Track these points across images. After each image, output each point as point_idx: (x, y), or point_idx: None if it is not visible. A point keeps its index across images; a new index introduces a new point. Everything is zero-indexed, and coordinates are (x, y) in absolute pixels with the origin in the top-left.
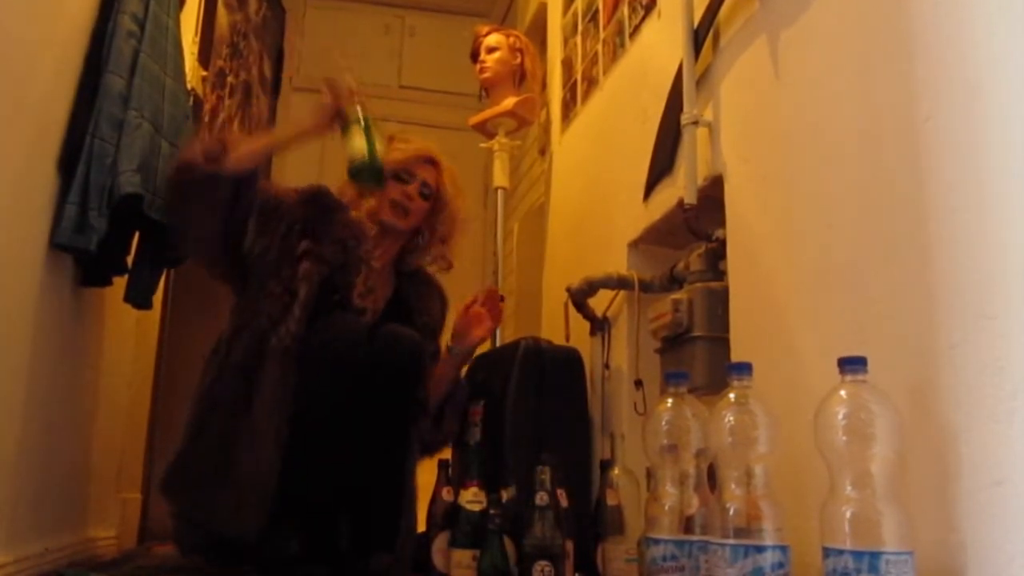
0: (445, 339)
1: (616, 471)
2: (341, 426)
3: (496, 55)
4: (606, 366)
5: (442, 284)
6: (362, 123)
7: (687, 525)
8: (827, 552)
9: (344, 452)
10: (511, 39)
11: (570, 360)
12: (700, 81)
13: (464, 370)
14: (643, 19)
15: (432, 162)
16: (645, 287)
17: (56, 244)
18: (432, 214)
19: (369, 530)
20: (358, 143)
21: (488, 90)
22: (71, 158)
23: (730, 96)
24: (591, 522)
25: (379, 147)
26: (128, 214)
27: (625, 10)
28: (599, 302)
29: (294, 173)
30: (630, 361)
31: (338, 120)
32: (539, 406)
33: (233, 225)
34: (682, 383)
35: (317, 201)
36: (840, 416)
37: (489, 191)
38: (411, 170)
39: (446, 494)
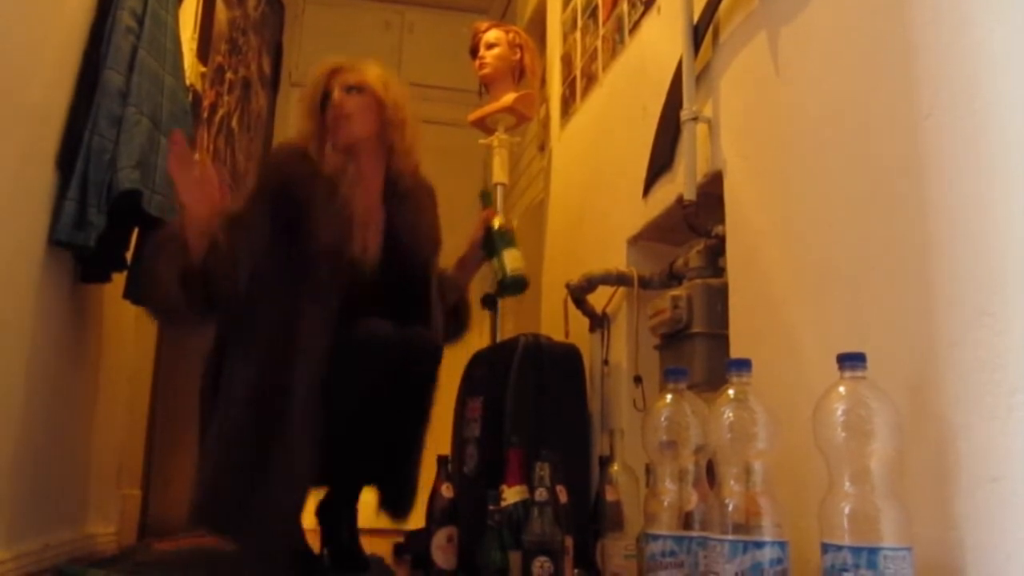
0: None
1: (615, 467)
2: (365, 434)
3: (495, 51)
4: (605, 362)
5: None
6: (507, 241)
7: (686, 521)
8: (826, 548)
9: (366, 449)
10: (510, 35)
11: (569, 356)
12: (700, 77)
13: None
14: (643, 15)
15: (335, 71)
16: (644, 283)
17: (55, 241)
18: (378, 120)
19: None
20: (507, 260)
21: (487, 86)
22: (70, 155)
23: (730, 92)
24: (590, 518)
25: (520, 262)
26: (127, 210)
27: (624, 6)
28: (598, 298)
29: None
30: (629, 357)
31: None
32: (538, 402)
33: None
34: (681, 379)
35: (289, 196)
36: (839, 412)
37: (488, 187)
38: (327, 90)
39: (446, 490)
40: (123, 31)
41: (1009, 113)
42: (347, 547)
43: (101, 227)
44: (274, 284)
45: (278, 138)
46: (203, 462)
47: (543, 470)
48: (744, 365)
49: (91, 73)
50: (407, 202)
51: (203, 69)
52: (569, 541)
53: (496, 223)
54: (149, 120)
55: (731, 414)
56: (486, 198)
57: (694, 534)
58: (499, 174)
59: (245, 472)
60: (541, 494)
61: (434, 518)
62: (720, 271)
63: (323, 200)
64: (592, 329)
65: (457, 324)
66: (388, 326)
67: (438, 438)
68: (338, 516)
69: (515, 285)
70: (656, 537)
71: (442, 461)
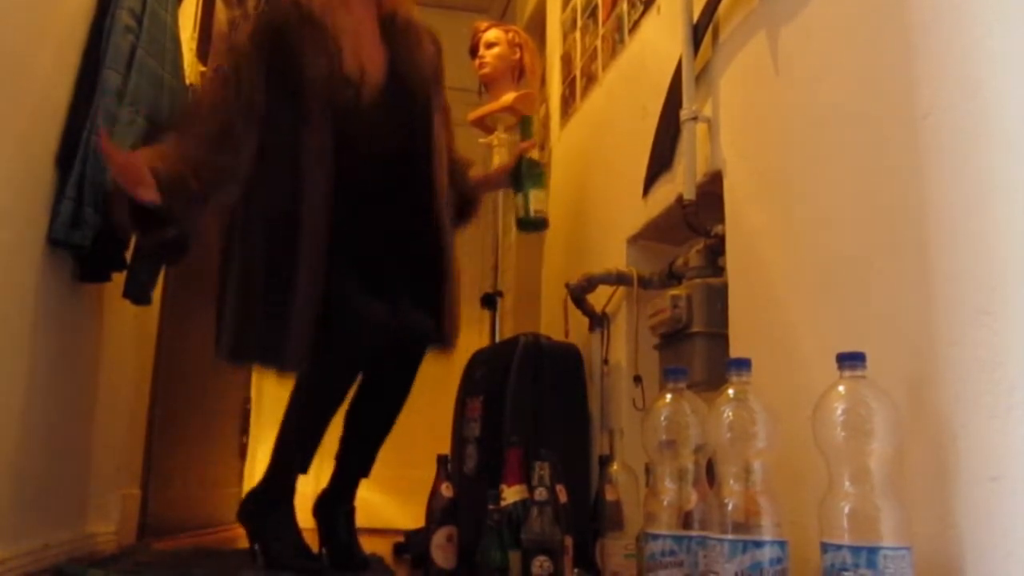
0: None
1: (615, 467)
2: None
3: (495, 50)
4: (605, 362)
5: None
6: (535, 178)
7: (686, 520)
8: (825, 547)
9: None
10: (510, 34)
11: (569, 356)
12: (699, 77)
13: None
14: (642, 14)
15: None
16: (644, 283)
17: (52, 239)
18: None
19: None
20: (532, 199)
21: (487, 85)
22: (69, 154)
23: (729, 92)
24: (590, 518)
25: (544, 204)
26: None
27: (624, 5)
28: (598, 298)
29: None
30: (629, 357)
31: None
32: (538, 402)
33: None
34: (681, 379)
35: (281, 43)
36: (839, 412)
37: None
38: None
39: (445, 489)
40: (122, 30)
41: (1009, 112)
42: (345, 545)
43: (97, 226)
44: (275, 129)
45: None
46: (226, 303)
47: (543, 469)
48: (744, 364)
49: (91, 72)
50: (404, 37)
51: (203, 69)
52: (569, 540)
53: (530, 156)
54: (146, 120)
55: (731, 413)
56: (526, 125)
57: (694, 533)
58: None
59: (265, 300)
60: (541, 493)
61: (434, 517)
62: (720, 271)
63: (311, 38)
64: (592, 329)
65: (460, 217)
66: (383, 311)
67: (438, 438)
68: (335, 513)
69: (534, 224)
70: (656, 536)
71: (442, 460)
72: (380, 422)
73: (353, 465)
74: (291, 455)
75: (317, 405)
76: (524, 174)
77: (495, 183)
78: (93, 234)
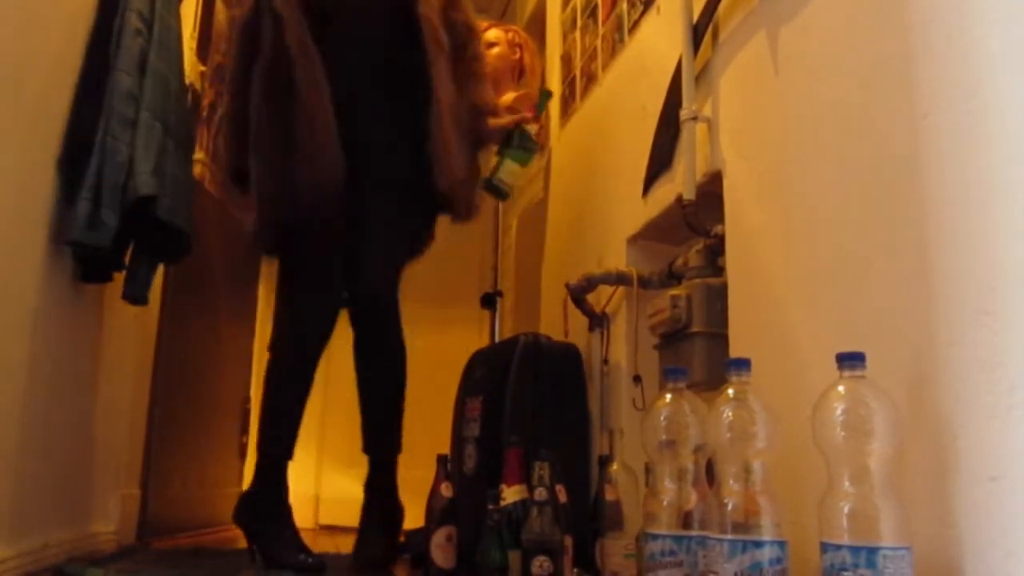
0: None
1: (615, 467)
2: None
3: (495, 50)
4: (605, 362)
5: None
6: (520, 152)
7: (685, 520)
8: (825, 547)
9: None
10: (510, 34)
11: (569, 356)
12: (699, 77)
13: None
14: (642, 14)
15: None
16: (644, 283)
17: (68, 241)
18: None
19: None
20: (505, 167)
21: None
22: (77, 155)
23: (729, 92)
24: (590, 517)
25: (515, 178)
26: (133, 212)
27: (624, 5)
28: (598, 298)
29: None
30: (629, 357)
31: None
32: (538, 402)
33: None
34: (681, 379)
35: None
36: (838, 412)
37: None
38: None
39: (445, 489)
40: (132, 33)
41: (1009, 112)
42: (365, 534)
43: (114, 227)
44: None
45: None
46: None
47: (542, 469)
48: (743, 364)
49: (95, 73)
50: None
51: (203, 68)
52: (568, 540)
53: (526, 128)
54: (161, 124)
55: (730, 413)
56: (543, 98)
57: (693, 533)
58: None
59: (273, 151)
60: (540, 493)
61: (433, 517)
62: (719, 270)
63: None
64: (592, 329)
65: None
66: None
67: (438, 438)
68: (370, 495)
69: (494, 189)
70: (655, 536)
71: (441, 460)
72: (382, 389)
73: (377, 443)
74: (274, 443)
75: (284, 379)
76: (512, 142)
77: (488, 135)
78: (111, 235)
